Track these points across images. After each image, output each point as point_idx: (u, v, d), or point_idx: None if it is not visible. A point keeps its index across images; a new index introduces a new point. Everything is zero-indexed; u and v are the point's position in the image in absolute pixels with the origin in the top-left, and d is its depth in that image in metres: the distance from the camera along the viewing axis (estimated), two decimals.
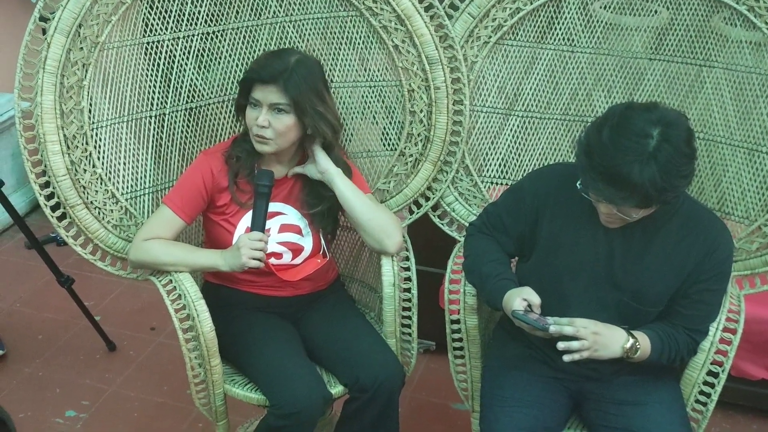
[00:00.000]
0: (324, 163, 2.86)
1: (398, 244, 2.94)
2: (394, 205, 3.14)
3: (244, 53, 3.05)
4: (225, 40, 3.01)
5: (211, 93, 3.05)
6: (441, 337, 3.16)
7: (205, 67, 3.01)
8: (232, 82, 3.06)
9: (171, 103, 2.99)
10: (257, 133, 2.77)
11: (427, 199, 3.17)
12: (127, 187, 2.95)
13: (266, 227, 2.79)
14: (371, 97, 3.13)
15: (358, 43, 3.07)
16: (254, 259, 2.71)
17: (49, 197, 2.83)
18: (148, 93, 2.95)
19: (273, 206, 2.87)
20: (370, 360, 2.83)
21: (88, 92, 2.81)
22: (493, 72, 3.11)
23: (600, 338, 2.47)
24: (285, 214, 2.92)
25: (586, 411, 2.73)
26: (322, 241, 2.99)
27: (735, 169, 2.92)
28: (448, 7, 3.02)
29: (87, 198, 2.85)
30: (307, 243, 2.95)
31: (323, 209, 2.93)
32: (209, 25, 2.97)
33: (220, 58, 3.03)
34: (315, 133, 2.81)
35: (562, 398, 2.72)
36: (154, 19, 2.90)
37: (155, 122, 2.98)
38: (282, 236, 2.91)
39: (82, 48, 2.77)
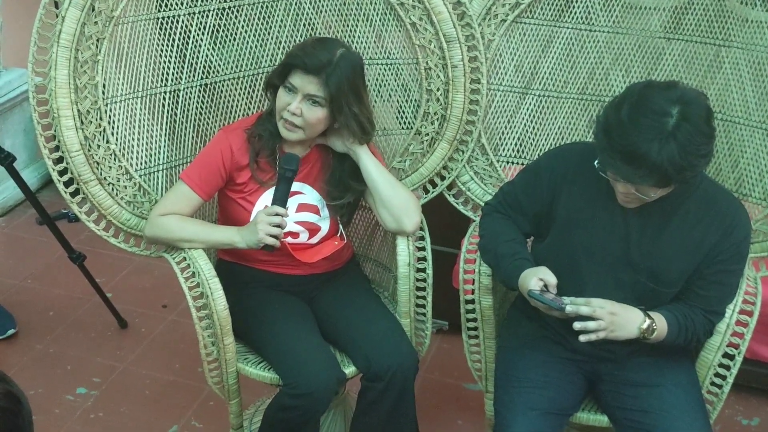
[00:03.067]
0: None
1: (416, 224, 2.93)
2: (410, 184, 3.12)
3: (260, 29, 3.03)
4: (241, 15, 2.99)
5: (226, 69, 3.04)
6: (454, 317, 3.16)
7: (220, 43, 2.99)
8: (248, 59, 3.05)
9: (186, 79, 2.98)
10: (287, 118, 2.75)
11: (443, 178, 3.15)
12: (141, 164, 2.94)
13: (288, 215, 2.77)
14: (387, 75, 3.11)
15: (375, 20, 3.05)
16: (271, 236, 2.70)
17: (63, 173, 2.82)
18: (163, 68, 2.94)
19: (292, 185, 2.86)
20: (383, 347, 2.81)
21: (103, 67, 2.80)
22: (510, 50, 3.09)
23: (617, 319, 2.46)
24: (303, 193, 2.90)
25: (600, 392, 2.73)
26: (339, 224, 2.97)
27: (753, 150, 2.91)
28: None
29: (100, 174, 2.84)
30: (324, 224, 2.94)
31: (345, 203, 2.92)
32: (225, 1, 2.95)
33: (236, 34, 3.01)
34: (345, 130, 2.80)
35: (577, 379, 2.72)
36: None
37: (170, 98, 2.97)
38: (299, 216, 2.89)
39: (96, 22, 2.75)
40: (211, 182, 2.84)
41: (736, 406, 3.65)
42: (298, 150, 2.86)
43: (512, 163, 3.18)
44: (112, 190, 2.88)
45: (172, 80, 2.96)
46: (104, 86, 2.82)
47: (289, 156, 2.77)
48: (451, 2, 2.96)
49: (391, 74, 3.11)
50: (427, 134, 3.10)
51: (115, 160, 2.87)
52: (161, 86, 2.95)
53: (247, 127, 2.87)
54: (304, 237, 2.91)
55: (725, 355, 2.69)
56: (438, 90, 3.05)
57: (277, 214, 2.70)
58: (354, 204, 2.99)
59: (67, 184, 2.84)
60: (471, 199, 3.16)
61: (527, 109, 3.14)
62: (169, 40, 2.92)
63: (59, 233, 3.80)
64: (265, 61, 3.07)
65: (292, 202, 2.86)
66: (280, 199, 2.74)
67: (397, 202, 2.89)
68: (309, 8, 3.04)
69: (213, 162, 2.83)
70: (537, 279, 2.51)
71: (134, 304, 4.22)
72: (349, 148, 2.86)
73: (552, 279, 2.52)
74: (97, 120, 2.82)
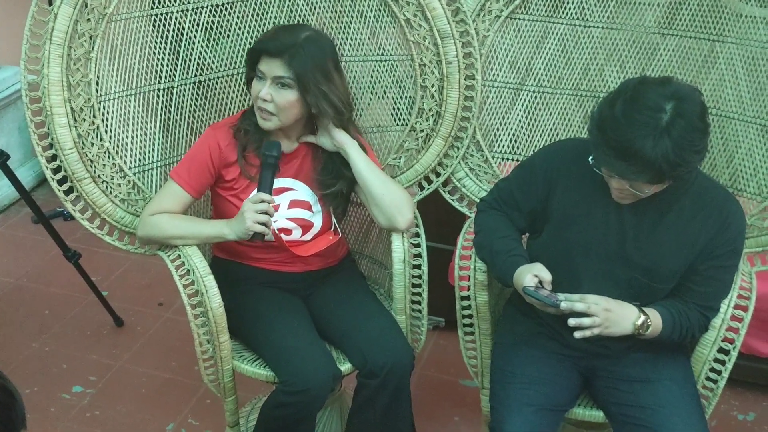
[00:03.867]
0: (338, 134, 2.84)
1: (409, 221, 2.93)
2: (405, 181, 3.12)
3: (254, 26, 3.03)
4: (234, 12, 2.99)
5: (220, 66, 3.03)
6: (450, 314, 3.16)
7: (214, 39, 2.99)
8: (241, 56, 3.04)
9: (179, 76, 2.97)
10: (260, 106, 2.76)
11: (438, 174, 3.15)
12: (135, 161, 2.94)
13: (275, 202, 2.77)
14: (382, 72, 3.10)
15: (369, 17, 3.05)
16: (259, 223, 2.69)
17: (56, 171, 2.81)
18: (157, 66, 2.94)
19: (282, 182, 2.86)
20: (379, 344, 2.81)
21: (96, 64, 2.79)
22: (505, 46, 3.08)
23: (611, 315, 2.47)
24: (295, 189, 2.90)
25: (596, 388, 2.73)
26: (333, 219, 2.97)
27: (747, 146, 2.91)
28: None
29: (94, 172, 2.84)
30: (316, 220, 2.93)
31: (337, 190, 2.91)
32: None
33: (229, 30, 3.01)
34: (317, 112, 2.79)
35: (573, 375, 2.72)
36: None
37: (163, 95, 2.96)
38: (291, 212, 2.89)
39: (89, 19, 2.75)
40: (201, 179, 2.84)
41: (732, 401, 3.65)
42: (285, 145, 2.85)
43: (507, 159, 3.18)
44: (106, 188, 2.87)
45: (165, 77, 2.96)
46: (97, 84, 2.81)
47: (270, 142, 2.79)
48: None
49: (386, 71, 3.10)
50: (422, 131, 3.10)
51: (108, 157, 2.86)
52: (155, 83, 2.95)
53: (233, 123, 2.87)
54: (297, 233, 2.91)
55: (720, 350, 2.68)
56: (433, 86, 3.04)
57: (263, 201, 2.70)
58: (347, 195, 2.98)
59: (60, 182, 2.83)
60: (466, 196, 3.16)
61: (522, 105, 3.13)
62: (162, 37, 2.92)
63: (54, 232, 3.80)
64: None
65: (284, 199, 2.87)
66: (265, 186, 2.75)
67: (388, 200, 2.88)
68: (302, 4, 3.03)
69: (201, 159, 2.83)
70: (532, 275, 2.51)
71: (130, 302, 4.22)
72: (339, 146, 2.85)
73: (547, 275, 2.52)
74: (90, 117, 2.81)
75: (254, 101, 2.77)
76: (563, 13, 3.03)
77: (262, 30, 3.03)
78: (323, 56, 2.75)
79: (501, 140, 3.16)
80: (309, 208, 2.91)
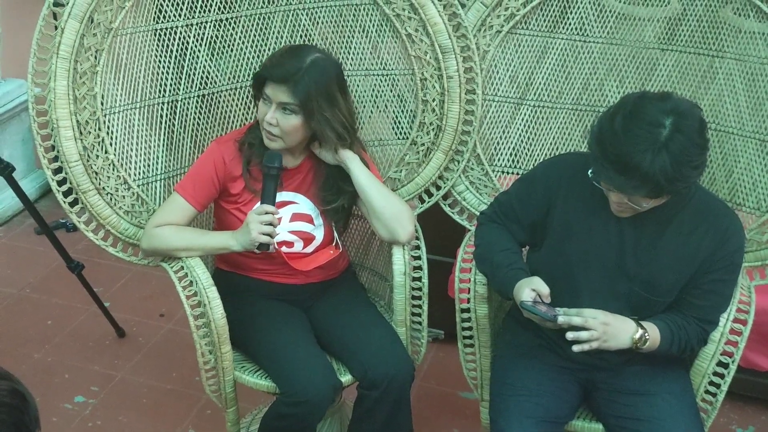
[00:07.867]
0: (340, 150, 2.85)
1: (410, 234, 2.94)
2: (406, 194, 3.13)
3: (257, 40, 3.05)
4: (238, 27, 3.01)
5: (224, 80, 3.05)
6: (450, 326, 3.17)
7: (217, 54, 3.01)
8: (245, 70, 3.07)
9: (183, 89, 2.99)
10: (266, 128, 2.77)
11: (438, 188, 3.16)
12: (139, 174, 2.96)
13: (278, 215, 2.79)
14: (383, 86, 3.13)
15: (371, 32, 3.07)
16: (264, 234, 2.72)
17: (62, 183, 2.84)
18: (161, 79, 2.96)
19: (284, 195, 2.88)
20: (379, 355, 2.82)
21: (101, 78, 2.82)
22: (505, 61, 3.11)
23: (609, 329, 2.47)
24: (297, 203, 2.92)
25: (595, 400, 2.73)
26: (335, 232, 2.99)
27: (746, 160, 2.92)
28: None
29: (99, 184, 2.86)
30: (318, 233, 2.95)
31: (338, 206, 2.93)
32: (222, 12, 2.97)
33: (233, 45, 3.03)
34: (319, 137, 2.81)
35: (572, 388, 2.72)
36: (167, 5, 2.91)
37: (167, 109, 2.98)
38: (293, 225, 2.91)
39: (95, 34, 2.77)
40: (205, 193, 2.86)
41: (731, 414, 3.65)
42: (289, 160, 2.87)
43: (507, 172, 3.19)
44: (111, 199, 2.89)
45: (169, 91, 2.98)
46: (103, 97, 2.84)
47: (271, 154, 2.79)
48: (447, 13, 2.98)
49: (387, 85, 3.12)
50: (423, 144, 3.12)
51: (113, 170, 2.88)
52: (159, 97, 2.97)
53: (238, 137, 2.89)
54: (298, 246, 2.93)
55: (720, 364, 2.69)
56: (434, 100, 3.07)
57: (267, 213, 2.73)
58: (348, 209, 3.00)
59: (66, 194, 2.85)
60: (466, 209, 3.17)
61: (522, 120, 3.15)
62: (166, 52, 2.94)
63: (57, 243, 3.80)
64: None
65: (286, 212, 2.89)
66: (269, 198, 2.77)
67: (389, 213, 2.90)
68: (305, 19, 3.06)
69: (206, 173, 2.85)
70: (529, 290, 2.51)
71: (132, 313, 4.23)
72: (340, 161, 2.87)
73: (544, 289, 2.52)
74: (95, 130, 2.83)
75: (261, 122, 2.79)
76: (563, 28, 3.05)
77: (266, 44, 3.06)
78: (328, 81, 2.76)
79: (501, 154, 3.18)
80: (311, 221, 2.93)
